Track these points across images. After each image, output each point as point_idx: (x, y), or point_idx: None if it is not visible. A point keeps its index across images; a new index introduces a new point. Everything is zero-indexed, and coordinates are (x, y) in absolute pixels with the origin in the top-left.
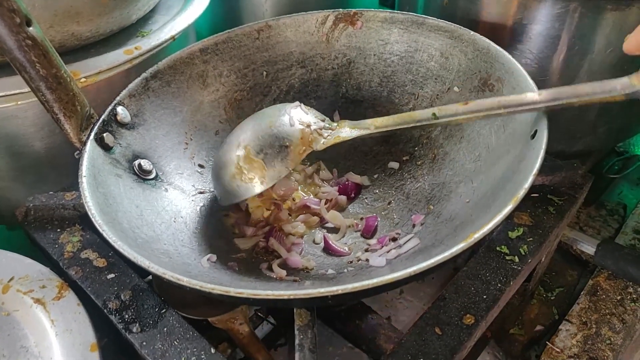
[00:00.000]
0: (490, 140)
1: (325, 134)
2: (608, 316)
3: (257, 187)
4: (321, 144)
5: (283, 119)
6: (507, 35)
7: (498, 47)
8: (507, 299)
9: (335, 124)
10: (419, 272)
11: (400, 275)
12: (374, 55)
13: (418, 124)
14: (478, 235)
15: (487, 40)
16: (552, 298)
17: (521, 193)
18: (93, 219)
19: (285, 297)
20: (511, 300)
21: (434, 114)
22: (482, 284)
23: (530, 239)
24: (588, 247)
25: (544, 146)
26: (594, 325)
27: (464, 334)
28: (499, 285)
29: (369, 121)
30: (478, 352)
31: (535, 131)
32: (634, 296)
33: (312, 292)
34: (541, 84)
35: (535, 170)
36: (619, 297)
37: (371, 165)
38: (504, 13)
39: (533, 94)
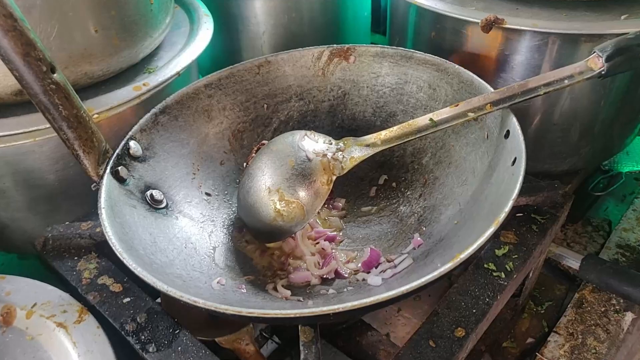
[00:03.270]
0: (476, 165)
1: (340, 157)
2: (593, 327)
3: (300, 224)
4: (341, 169)
5: (300, 155)
6: (491, 65)
7: (480, 80)
8: (496, 313)
9: (341, 144)
10: (411, 290)
11: (394, 294)
12: (367, 87)
13: (419, 135)
14: (463, 255)
15: (471, 74)
16: (542, 312)
17: (502, 216)
18: (114, 247)
19: (292, 316)
20: (503, 315)
21: (431, 120)
22: (472, 299)
23: (516, 255)
24: (573, 262)
25: (522, 172)
26: (580, 336)
27: (455, 345)
28: (487, 299)
29: (373, 136)
30: None
31: (515, 158)
32: (617, 307)
33: (316, 310)
34: (525, 108)
35: (514, 195)
36: (603, 309)
37: (367, 190)
38: (487, 45)
39: (511, 86)
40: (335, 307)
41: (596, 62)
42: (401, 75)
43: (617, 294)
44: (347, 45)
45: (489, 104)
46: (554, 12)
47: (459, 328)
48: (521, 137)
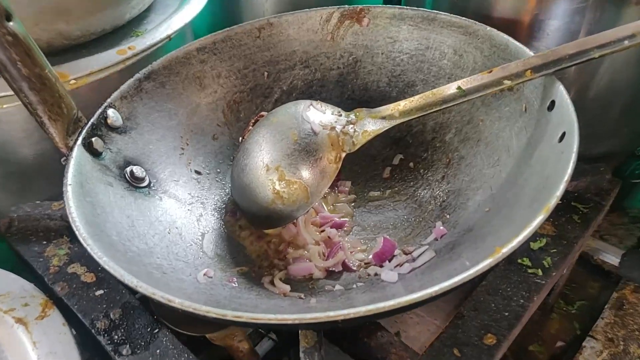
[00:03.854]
0: (511, 143)
1: (351, 131)
2: (637, 332)
3: (302, 208)
4: (352, 145)
5: (305, 128)
6: (523, 32)
7: (518, 44)
8: (529, 316)
9: (352, 116)
10: (441, 292)
11: (420, 297)
12: (382, 53)
13: (444, 106)
14: (507, 249)
15: (506, 36)
16: (573, 312)
17: (553, 202)
18: (77, 231)
19: (290, 322)
20: (532, 318)
21: (459, 88)
22: (504, 300)
23: (554, 250)
24: (612, 258)
25: (574, 149)
26: (621, 342)
27: (485, 355)
28: (521, 300)
29: (390, 107)
30: None
31: (564, 133)
32: None
33: (320, 316)
34: None
35: (567, 177)
36: None
37: (380, 171)
38: (519, 8)
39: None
40: (345, 312)
41: None
42: (422, 40)
43: None
44: (360, 6)
45: (529, 70)
46: None
47: (489, 334)
48: (571, 108)
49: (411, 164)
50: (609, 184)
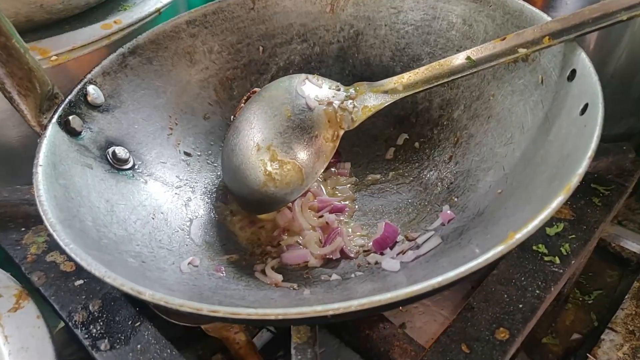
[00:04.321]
0: (526, 119)
1: (350, 107)
2: None
3: (297, 191)
4: (351, 121)
5: (299, 103)
6: (539, 1)
7: (534, 9)
8: (545, 307)
9: (352, 90)
10: (446, 284)
11: (421, 288)
12: (385, 25)
13: (453, 77)
14: (521, 235)
15: (521, 1)
16: (589, 302)
17: (575, 180)
18: (43, 216)
19: (273, 318)
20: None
21: (469, 58)
22: (517, 291)
23: (573, 236)
24: (633, 245)
25: (599, 121)
26: None
27: (497, 352)
28: (537, 291)
29: (393, 79)
30: None
31: (586, 105)
32: None
33: (306, 312)
34: None
35: (590, 152)
36: None
37: (383, 152)
38: None
39: (579, 12)
40: (335, 306)
41: None
42: (428, 10)
43: None
44: None
45: (547, 37)
46: None
47: (501, 328)
48: (595, 77)
49: (416, 144)
50: (633, 164)
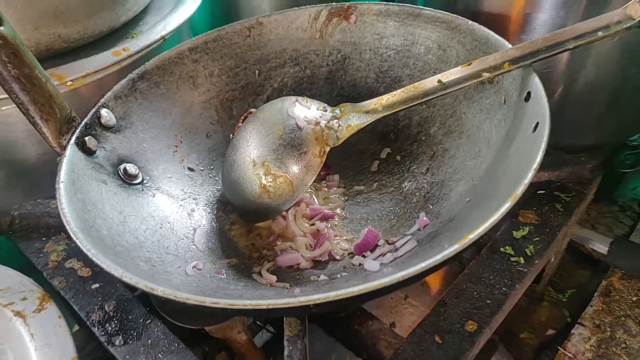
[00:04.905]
0: (491, 135)
1: (335, 126)
2: (623, 318)
3: (288, 202)
4: (336, 139)
5: (289, 123)
6: (511, 26)
7: (498, 37)
8: (513, 303)
9: (337, 111)
10: (408, 277)
11: (386, 282)
12: (370, 50)
13: (426, 99)
14: (473, 235)
15: (486, 30)
16: (563, 300)
17: (520, 189)
18: (67, 226)
19: (264, 307)
20: (519, 303)
21: (440, 81)
22: (486, 288)
23: (537, 238)
24: (600, 246)
25: (545, 138)
26: (608, 329)
27: (466, 342)
28: (503, 289)
29: (373, 101)
30: (486, 358)
31: (537, 124)
32: None
33: (292, 302)
34: (546, 76)
35: (535, 165)
36: (634, 298)
37: (368, 165)
38: (507, 2)
39: (534, 41)
40: (315, 297)
41: (637, 9)
42: (408, 36)
43: None
44: (347, 3)
45: (507, 62)
46: None
47: (470, 321)
48: (544, 99)
49: (398, 158)
50: (591, 173)
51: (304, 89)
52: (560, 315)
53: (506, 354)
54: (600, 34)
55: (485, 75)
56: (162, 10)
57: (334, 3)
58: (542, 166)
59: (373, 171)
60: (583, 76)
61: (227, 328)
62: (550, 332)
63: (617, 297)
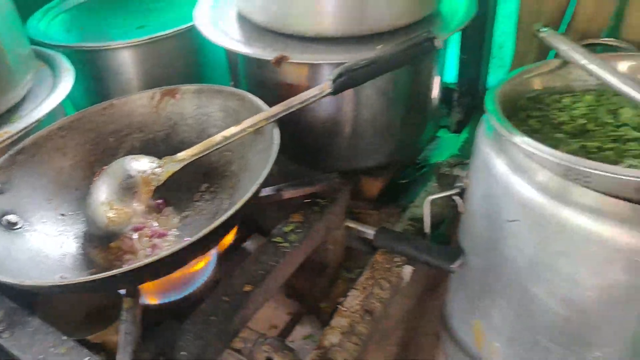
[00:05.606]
0: (264, 167)
1: (158, 172)
2: (380, 280)
3: (127, 226)
4: (158, 180)
5: (126, 173)
6: (287, 92)
7: (261, 103)
8: (286, 275)
9: (162, 161)
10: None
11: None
12: (190, 117)
13: (215, 148)
14: (212, 225)
15: (256, 98)
16: (353, 277)
17: (242, 201)
18: None
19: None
20: (323, 285)
21: (223, 136)
22: (261, 264)
23: (300, 230)
24: (370, 233)
25: (269, 164)
26: (370, 288)
27: (244, 298)
28: (271, 263)
29: (182, 153)
30: (295, 321)
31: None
32: (398, 263)
33: (101, 276)
34: (310, 121)
35: (257, 184)
36: (387, 266)
37: (191, 195)
38: (282, 77)
39: (272, 109)
40: (114, 272)
41: (328, 85)
42: (213, 106)
43: (398, 253)
44: (174, 86)
45: (263, 120)
46: (333, 46)
47: (247, 285)
48: (277, 141)
49: (212, 189)
50: (339, 184)
51: (148, 148)
52: (349, 288)
53: (313, 318)
54: (312, 99)
55: (249, 129)
56: (37, 99)
57: (165, 87)
58: (306, 184)
59: (195, 200)
60: (367, 107)
61: (106, 333)
62: (341, 300)
63: (378, 267)
